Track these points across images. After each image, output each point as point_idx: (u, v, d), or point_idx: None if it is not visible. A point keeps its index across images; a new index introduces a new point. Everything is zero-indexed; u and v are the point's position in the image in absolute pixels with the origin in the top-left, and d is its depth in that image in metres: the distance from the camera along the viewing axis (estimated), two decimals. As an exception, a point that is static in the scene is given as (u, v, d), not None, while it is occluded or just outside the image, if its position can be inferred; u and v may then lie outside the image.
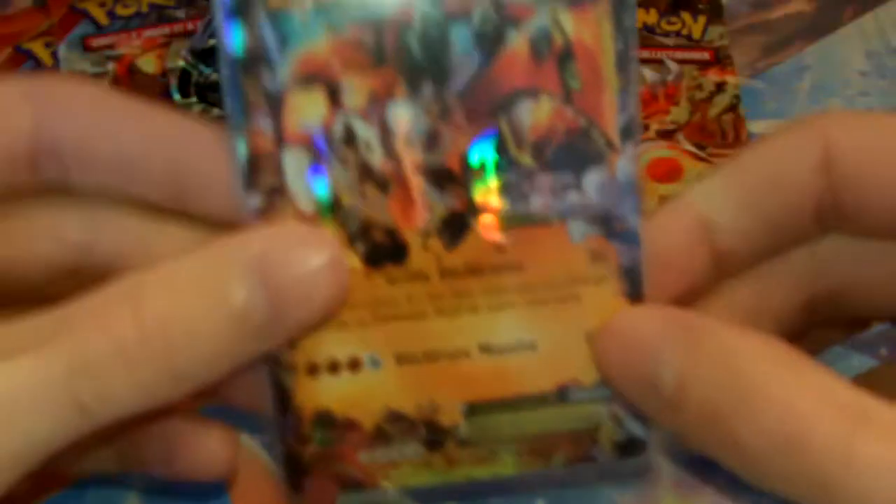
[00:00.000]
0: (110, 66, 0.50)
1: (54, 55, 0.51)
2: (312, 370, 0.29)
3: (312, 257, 0.26)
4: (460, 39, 0.27)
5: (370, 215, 0.28)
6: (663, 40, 0.51)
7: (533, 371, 0.29)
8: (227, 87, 0.27)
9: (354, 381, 0.29)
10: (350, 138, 0.27)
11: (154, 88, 0.48)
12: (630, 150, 0.28)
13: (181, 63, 0.48)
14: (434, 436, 0.30)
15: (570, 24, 0.27)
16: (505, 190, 0.28)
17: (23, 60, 0.51)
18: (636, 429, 0.30)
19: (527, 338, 0.29)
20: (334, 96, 0.27)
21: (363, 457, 0.30)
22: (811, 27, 0.53)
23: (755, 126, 0.48)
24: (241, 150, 0.27)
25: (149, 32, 0.51)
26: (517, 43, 0.27)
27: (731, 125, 0.47)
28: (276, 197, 0.27)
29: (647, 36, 0.51)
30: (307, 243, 0.27)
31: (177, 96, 0.48)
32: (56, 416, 0.24)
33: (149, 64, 0.50)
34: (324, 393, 0.29)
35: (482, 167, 0.28)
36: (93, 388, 0.24)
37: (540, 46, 0.27)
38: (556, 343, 0.29)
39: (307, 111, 0.27)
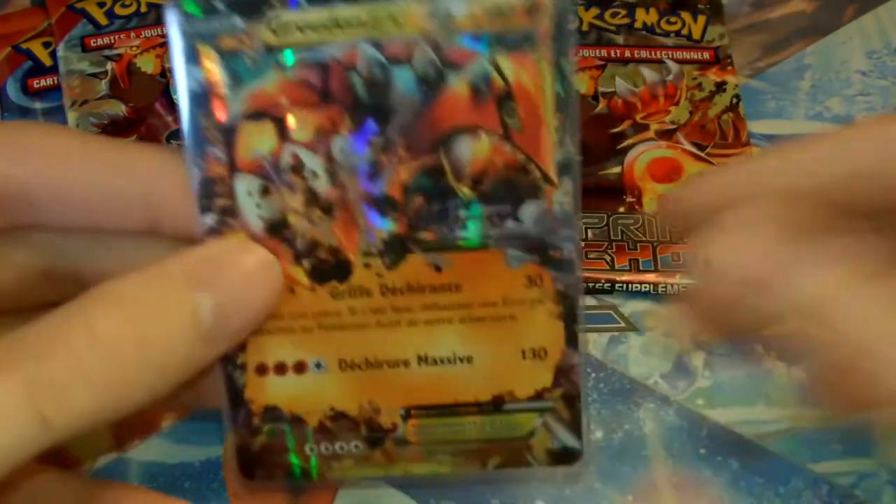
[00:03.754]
0: (109, 66, 0.49)
1: (53, 55, 0.50)
2: (261, 370, 0.31)
3: (245, 260, 0.29)
4: (402, 81, 0.29)
5: (315, 236, 0.30)
6: (663, 40, 0.50)
7: (469, 382, 0.31)
8: (185, 120, 0.29)
9: (300, 382, 0.31)
10: (297, 167, 0.29)
11: (152, 88, 0.48)
12: (568, 185, 0.30)
13: (180, 63, 0.48)
14: (374, 434, 0.32)
15: (510, 68, 0.29)
16: (443, 217, 0.30)
17: (21, 60, 0.50)
18: (569, 439, 0.32)
19: (463, 352, 0.31)
20: (283, 129, 0.29)
21: (308, 449, 0.32)
22: (811, 27, 0.52)
23: (755, 126, 0.48)
24: (196, 174, 0.29)
25: (148, 32, 0.51)
26: (457, 85, 0.29)
27: (731, 125, 0.47)
28: (228, 217, 0.29)
29: (647, 36, 0.51)
30: (239, 249, 0.29)
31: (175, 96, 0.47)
32: (17, 431, 0.25)
33: (148, 64, 0.49)
34: (271, 391, 0.31)
35: (422, 196, 0.30)
36: (54, 403, 0.25)
37: (480, 88, 0.29)
38: (493, 358, 0.31)
39: (257, 142, 0.29)
